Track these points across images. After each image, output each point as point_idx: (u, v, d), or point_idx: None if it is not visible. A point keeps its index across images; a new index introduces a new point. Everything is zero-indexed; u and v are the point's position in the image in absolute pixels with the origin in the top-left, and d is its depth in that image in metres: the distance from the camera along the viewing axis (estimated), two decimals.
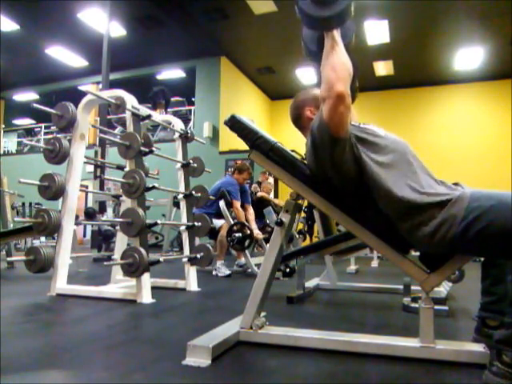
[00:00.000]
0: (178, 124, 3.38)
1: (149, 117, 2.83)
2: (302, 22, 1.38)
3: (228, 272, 3.98)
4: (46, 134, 12.18)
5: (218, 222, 4.19)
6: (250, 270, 4.10)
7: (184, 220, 3.20)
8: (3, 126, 12.99)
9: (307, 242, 6.75)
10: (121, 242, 3.06)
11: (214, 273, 4.05)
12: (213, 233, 4.15)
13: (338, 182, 1.43)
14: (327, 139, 1.35)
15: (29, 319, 2.05)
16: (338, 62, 1.31)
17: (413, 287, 2.51)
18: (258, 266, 3.69)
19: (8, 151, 13.37)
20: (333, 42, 1.33)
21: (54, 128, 11.18)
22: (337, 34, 1.34)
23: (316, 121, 1.40)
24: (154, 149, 2.90)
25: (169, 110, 9.93)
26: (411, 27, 8.11)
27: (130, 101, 2.77)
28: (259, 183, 6.83)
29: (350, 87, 1.32)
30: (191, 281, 3.05)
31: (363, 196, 1.40)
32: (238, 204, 4.26)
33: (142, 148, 2.68)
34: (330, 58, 1.32)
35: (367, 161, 1.37)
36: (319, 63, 1.38)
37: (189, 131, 3.41)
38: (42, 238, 7.09)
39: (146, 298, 2.51)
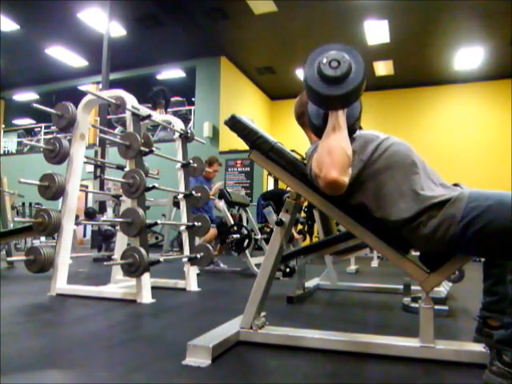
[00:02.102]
0: (178, 124, 3.38)
1: (149, 117, 2.83)
2: (307, 96, 1.35)
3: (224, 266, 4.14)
4: (46, 133, 12.19)
5: None
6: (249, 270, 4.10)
7: (184, 220, 3.20)
8: (3, 126, 12.99)
9: (307, 242, 6.75)
10: (121, 241, 3.06)
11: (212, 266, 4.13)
12: None
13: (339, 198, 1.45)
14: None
15: (29, 319, 2.05)
16: (337, 146, 1.25)
17: (413, 287, 2.51)
18: (258, 266, 3.69)
19: (8, 151, 13.37)
20: (335, 124, 1.28)
21: (54, 128, 11.18)
22: (342, 114, 1.29)
23: (311, 171, 1.37)
24: (154, 149, 2.91)
25: (169, 110, 9.93)
26: (411, 27, 8.11)
27: (130, 101, 2.77)
28: None
29: (352, 127, 1.32)
30: (191, 281, 3.05)
31: (363, 196, 1.40)
32: None
33: (142, 148, 2.68)
34: (328, 140, 1.27)
35: (367, 169, 1.36)
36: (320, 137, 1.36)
37: (189, 131, 3.41)
38: (42, 238, 7.10)
39: (146, 297, 2.51)
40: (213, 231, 4.27)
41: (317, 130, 1.46)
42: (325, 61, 1.24)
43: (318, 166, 1.28)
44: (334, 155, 1.24)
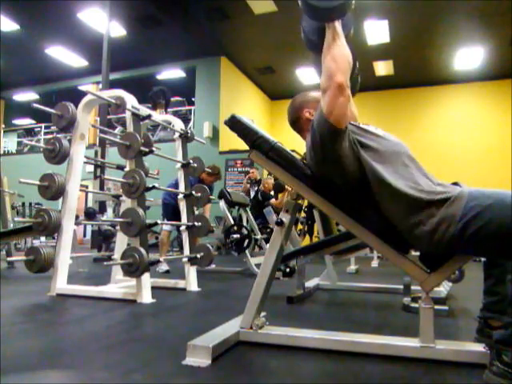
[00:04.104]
0: (178, 124, 3.39)
1: (149, 117, 2.83)
2: (304, 12, 1.39)
3: (167, 268, 4.18)
4: (46, 133, 12.18)
5: None
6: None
7: (184, 220, 3.20)
8: (3, 125, 12.98)
9: (307, 241, 6.75)
10: (121, 242, 3.06)
11: (157, 269, 4.16)
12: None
13: (338, 179, 1.43)
14: (327, 131, 1.35)
15: (29, 319, 2.05)
16: (339, 53, 1.33)
17: (413, 287, 2.51)
18: (258, 266, 3.69)
19: (8, 151, 13.36)
20: (334, 33, 1.34)
21: (54, 128, 11.18)
22: (338, 25, 1.35)
23: (316, 115, 1.41)
24: (154, 149, 2.90)
25: (169, 110, 9.91)
26: (411, 27, 8.10)
27: (130, 101, 2.77)
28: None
29: (349, 77, 1.35)
30: (191, 281, 3.05)
31: (363, 194, 1.40)
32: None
33: (142, 148, 2.68)
34: (331, 49, 1.34)
35: (366, 157, 1.37)
36: (319, 53, 1.39)
37: (189, 131, 3.41)
38: (42, 238, 7.10)
39: (146, 297, 2.51)
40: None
41: (314, 45, 1.51)
42: None
43: (325, 75, 1.34)
44: (338, 61, 1.32)
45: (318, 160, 1.44)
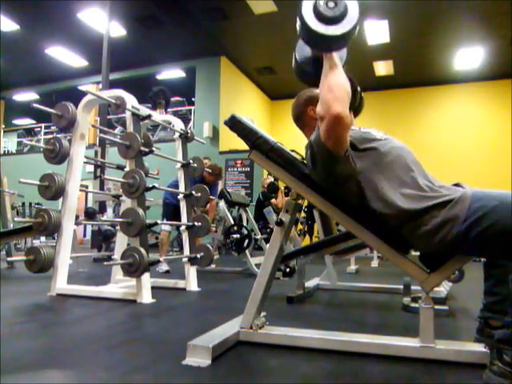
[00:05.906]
0: (178, 124, 3.39)
1: (149, 117, 2.83)
2: (304, 38, 1.34)
3: (167, 268, 4.15)
4: (46, 133, 12.18)
5: None
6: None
7: (184, 220, 3.20)
8: (3, 125, 12.98)
9: (307, 241, 6.75)
10: (121, 242, 3.06)
11: (157, 269, 4.14)
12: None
13: (339, 194, 1.45)
14: (326, 157, 1.35)
15: (29, 319, 2.05)
16: (336, 82, 1.29)
17: (413, 287, 2.51)
18: (258, 266, 3.69)
19: (8, 151, 13.37)
20: (331, 63, 1.31)
21: (54, 128, 11.19)
22: (335, 54, 1.32)
23: (314, 137, 1.39)
24: (153, 149, 2.91)
25: (169, 110, 9.92)
26: (411, 27, 8.10)
27: (130, 101, 2.77)
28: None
29: (349, 105, 1.31)
30: (191, 281, 3.05)
31: (364, 206, 1.40)
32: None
33: (142, 148, 2.68)
34: (328, 78, 1.30)
35: (365, 173, 1.37)
36: (311, 84, 1.37)
37: (189, 131, 3.41)
38: (42, 238, 7.10)
39: (146, 297, 2.51)
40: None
41: (308, 76, 1.47)
42: (322, 2, 1.25)
43: (321, 105, 1.30)
44: (334, 91, 1.27)
45: (317, 175, 1.45)
